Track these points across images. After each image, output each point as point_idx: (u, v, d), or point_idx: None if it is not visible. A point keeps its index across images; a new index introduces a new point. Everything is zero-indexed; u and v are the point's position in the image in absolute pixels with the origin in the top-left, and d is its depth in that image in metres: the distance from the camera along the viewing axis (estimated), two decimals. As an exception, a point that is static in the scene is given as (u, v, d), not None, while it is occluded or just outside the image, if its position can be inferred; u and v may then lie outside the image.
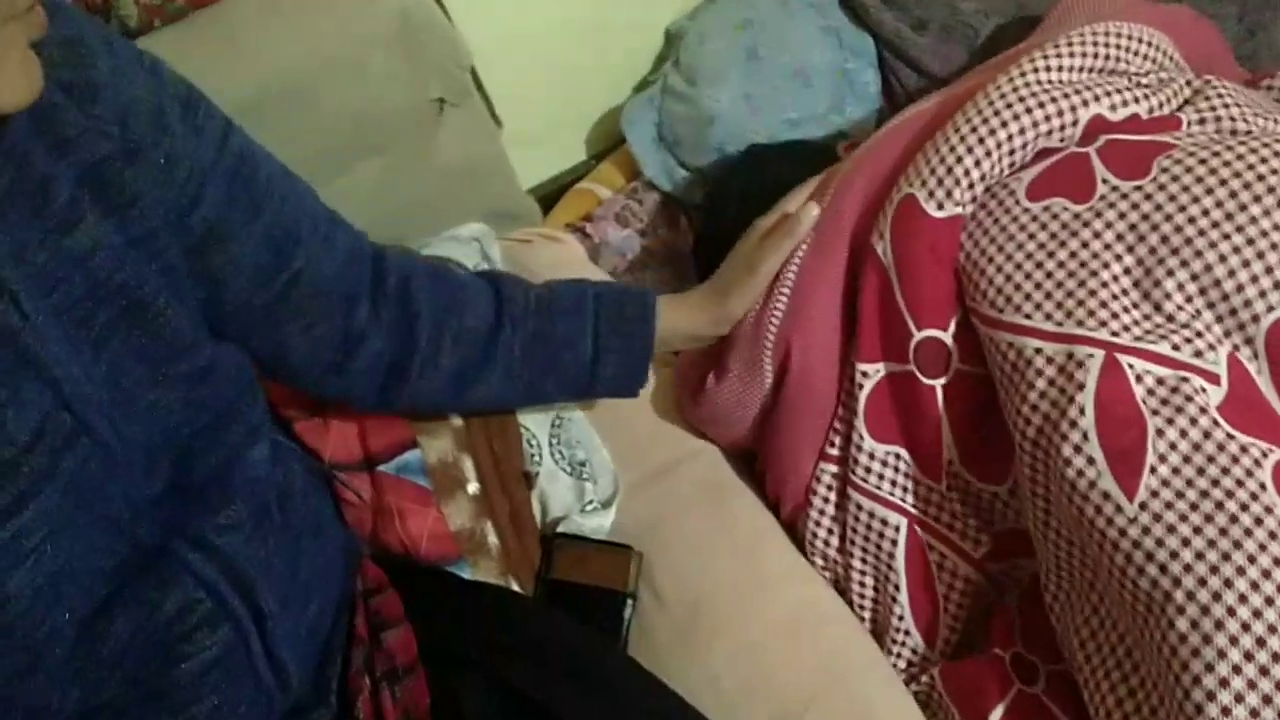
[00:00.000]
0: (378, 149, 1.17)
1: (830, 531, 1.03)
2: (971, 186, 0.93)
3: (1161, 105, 0.97)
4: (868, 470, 0.98)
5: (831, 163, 1.10)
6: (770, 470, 1.06)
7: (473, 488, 1.02)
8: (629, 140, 1.45)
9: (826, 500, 1.02)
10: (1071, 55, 0.98)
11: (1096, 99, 0.95)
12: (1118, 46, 1.00)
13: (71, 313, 0.61)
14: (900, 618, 1.00)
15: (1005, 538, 0.98)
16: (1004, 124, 0.93)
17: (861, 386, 0.97)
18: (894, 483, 0.98)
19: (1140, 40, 1.01)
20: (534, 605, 0.98)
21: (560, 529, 1.03)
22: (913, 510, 0.99)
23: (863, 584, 1.02)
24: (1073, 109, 0.94)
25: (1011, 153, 0.94)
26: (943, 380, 0.95)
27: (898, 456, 0.98)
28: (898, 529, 0.98)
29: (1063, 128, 0.94)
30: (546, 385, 0.97)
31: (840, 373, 1.00)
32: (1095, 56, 0.99)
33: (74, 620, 0.62)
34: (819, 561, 1.04)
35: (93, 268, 0.62)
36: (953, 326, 0.94)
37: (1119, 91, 0.96)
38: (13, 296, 0.57)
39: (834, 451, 1.01)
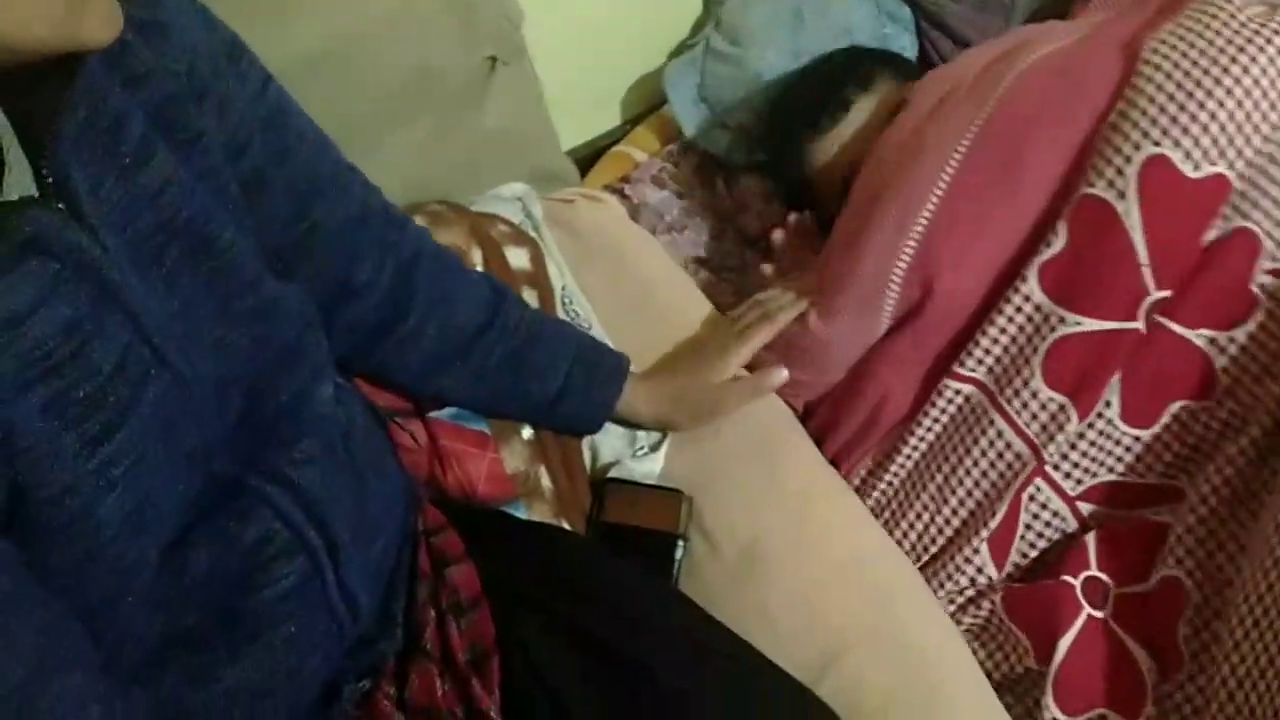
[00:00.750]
0: (429, 107, 1.18)
1: (937, 446, 1.06)
2: (1231, 141, 0.92)
3: None
4: (1024, 405, 1.00)
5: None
6: (867, 385, 1.09)
7: (527, 433, 1.04)
8: (671, 100, 1.47)
9: (945, 415, 1.05)
10: None
11: None
12: None
13: (145, 248, 0.63)
14: (981, 541, 1.03)
15: (1106, 488, 1.01)
16: (1245, 69, 0.92)
17: (1054, 329, 0.97)
18: (1044, 425, 1.00)
19: None
20: (588, 544, 1.01)
21: (611, 474, 1.05)
22: (1043, 450, 1.01)
23: (957, 503, 1.04)
24: None
25: (1264, 95, 0.92)
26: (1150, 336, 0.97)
27: (1061, 407, 0.99)
28: (1025, 465, 1.01)
29: None
30: (504, 404, 1.00)
31: (987, 301, 1.02)
32: None
33: (158, 548, 0.63)
34: (901, 471, 1.08)
35: (163, 204, 0.64)
36: (1179, 284, 0.95)
37: None
38: (93, 231, 0.58)
39: (969, 373, 1.03)
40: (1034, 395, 0.99)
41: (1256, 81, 0.92)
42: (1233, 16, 0.95)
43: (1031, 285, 0.98)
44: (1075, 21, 1.15)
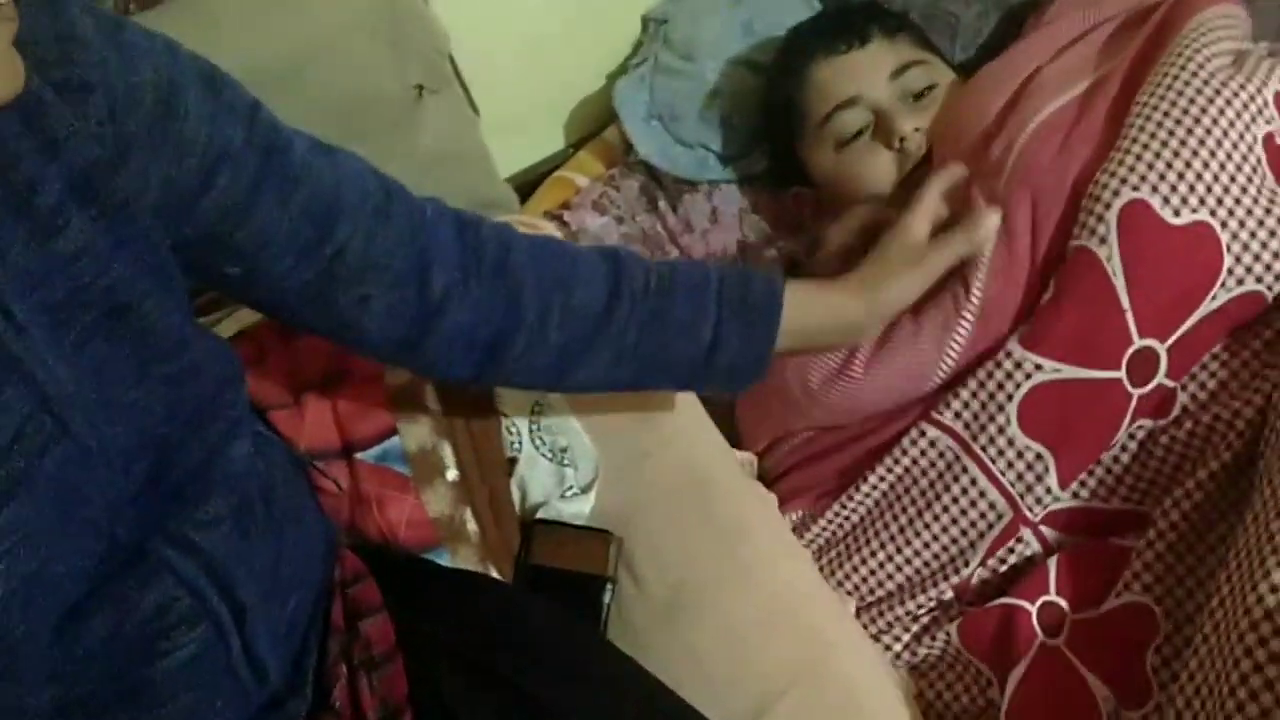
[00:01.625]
0: (359, 137, 1.14)
1: (900, 489, 1.04)
2: (1209, 189, 0.92)
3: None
4: (1000, 453, 0.98)
5: None
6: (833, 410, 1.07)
7: (451, 474, 1.01)
8: (621, 118, 1.45)
9: (908, 459, 1.02)
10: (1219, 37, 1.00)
11: (1267, 76, 0.97)
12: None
13: (53, 314, 0.60)
14: (948, 587, 1.01)
15: (1069, 513, 1.00)
16: (1215, 120, 0.93)
17: (1030, 376, 0.96)
18: (1019, 475, 0.98)
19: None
20: (513, 591, 0.98)
21: (540, 515, 1.02)
22: (1020, 501, 0.99)
23: (921, 545, 1.02)
24: (1260, 87, 0.95)
25: (1235, 147, 0.93)
26: (1144, 390, 0.95)
27: (1038, 456, 0.97)
28: (1000, 516, 0.99)
29: (1263, 108, 0.95)
30: (655, 374, 0.92)
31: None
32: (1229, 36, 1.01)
33: (50, 622, 0.61)
34: (859, 510, 1.06)
35: (76, 271, 0.61)
36: (1172, 339, 0.94)
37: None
38: None
39: (944, 419, 1.01)
40: (1010, 443, 0.97)
41: (1225, 133, 0.93)
42: (1201, 67, 0.96)
43: (1012, 340, 0.97)
44: (1073, 52, 1.13)
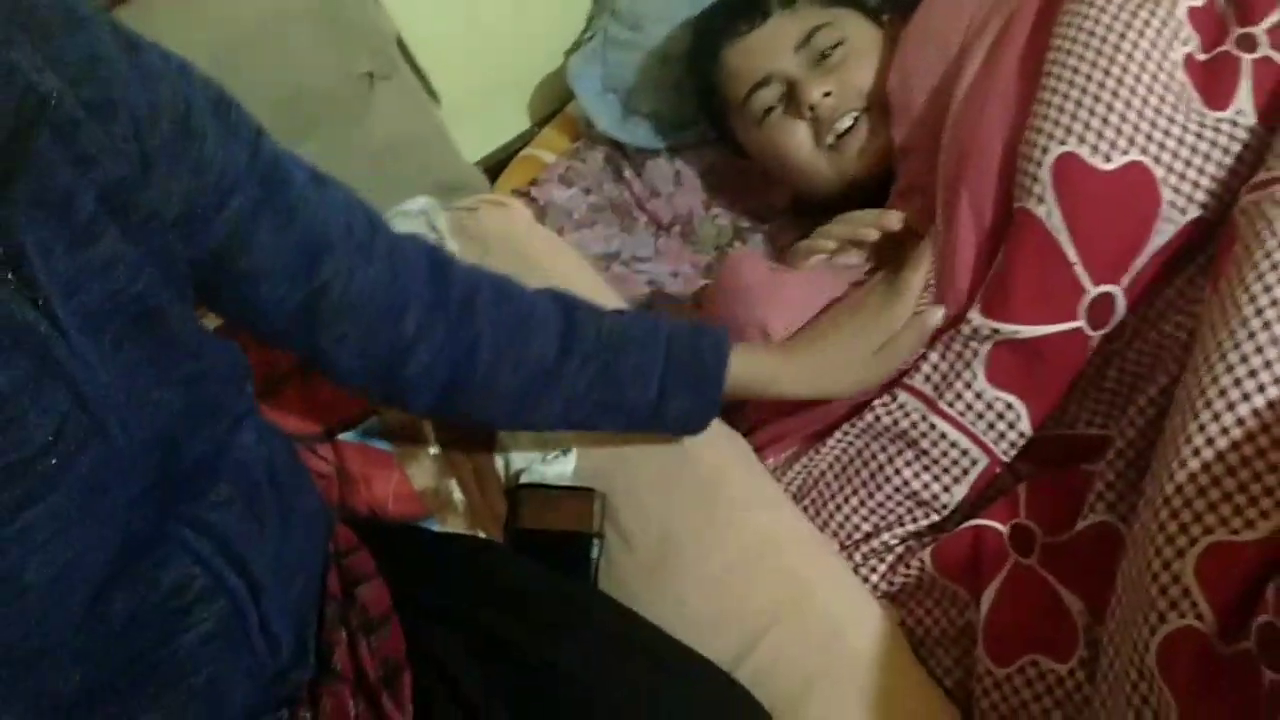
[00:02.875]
0: (311, 129, 1.18)
1: (875, 433, 1.05)
2: (1136, 129, 0.93)
3: None
4: (968, 407, 0.99)
5: None
6: None
7: (434, 449, 1.04)
8: (578, 94, 1.47)
9: (889, 415, 1.04)
10: None
11: None
12: None
13: (91, 319, 0.63)
14: (925, 516, 1.03)
15: (1036, 441, 1.01)
16: (1129, 56, 0.93)
17: (989, 339, 0.97)
18: (991, 425, 1.00)
19: None
20: (502, 551, 1.00)
21: (524, 479, 1.05)
22: (995, 451, 1.01)
23: (893, 489, 1.03)
24: (1172, 7, 0.96)
25: (1154, 79, 0.94)
26: (1104, 331, 0.97)
27: (1009, 406, 0.99)
28: (975, 461, 1.01)
29: (1177, 29, 0.95)
30: (606, 420, 0.96)
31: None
32: None
33: (79, 605, 0.64)
34: (828, 458, 1.07)
35: (111, 278, 0.64)
36: (1126, 280, 0.95)
37: None
38: (45, 301, 0.59)
39: (914, 384, 1.02)
40: (979, 396, 0.99)
41: (1143, 67, 0.93)
42: (1105, 6, 0.96)
43: (973, 309, 0.98)
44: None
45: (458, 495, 1.03)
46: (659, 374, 0.93)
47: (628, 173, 1.45)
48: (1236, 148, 0.93)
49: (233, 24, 1.10)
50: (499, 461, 1.08)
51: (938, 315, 1.01)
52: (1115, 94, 0.93)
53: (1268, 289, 0.79)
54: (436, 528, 1.01)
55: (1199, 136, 0.93)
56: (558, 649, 0.83)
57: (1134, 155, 0.93)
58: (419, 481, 1.02)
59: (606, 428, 0.98)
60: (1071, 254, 0.93)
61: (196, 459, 0.74)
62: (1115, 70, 0.93)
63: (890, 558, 1.03)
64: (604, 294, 1.22)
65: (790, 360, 1.00)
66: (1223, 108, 0.94)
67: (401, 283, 0.85)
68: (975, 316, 0.97)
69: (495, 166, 1.55)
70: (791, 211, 1.37)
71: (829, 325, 1.03)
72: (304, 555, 0.84)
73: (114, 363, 0.65)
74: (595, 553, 1.00)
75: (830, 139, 1.21)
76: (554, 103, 1.59)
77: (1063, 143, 0.93)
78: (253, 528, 0.76)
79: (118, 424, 0.64)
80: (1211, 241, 0.95)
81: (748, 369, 0.97)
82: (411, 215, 1.26)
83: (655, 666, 0.84)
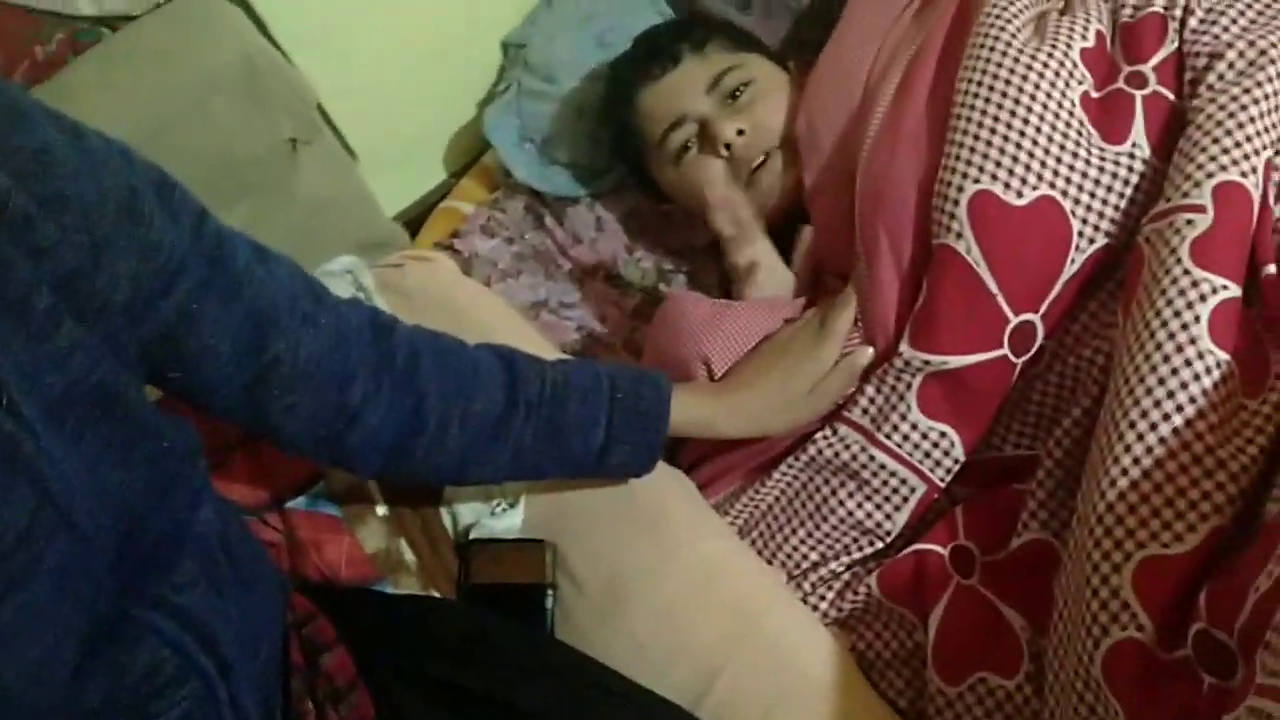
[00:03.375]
0: (239, 195, 1.18)
1: (818, 467, 1.08)
2: (1044, 165, 0.98)
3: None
4: (905, 438, 1.03)
5: None
6: None
7: (381, 509, 1.04)
8: (495, 146, 1.49)
9: (830, 448, 1.07)
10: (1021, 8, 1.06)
11: (1070, 37, 1.03)
12: None
13: (52, 408, 0.63)
14: (870, 544, 1.07)
15: (966, 465, 1.05)
16: (1033, 96, 0.99)
17: (921, 371, 1.01)
18: (927, 454, 1.03)
19: None
20: (459, 607, 1.01)
21: (473, 535, 1.05)
22: (932, 478, 1.04)
23: (838, 520, 1.07)
24: (1066, 50, 1.02)
25: (1056, 117, 1.00)
26: (1026, 357, 1.01)
27: (942, 434, 1.02)
28: (913, 489, 1.04)
29: (1073, 69, 1.02)
30: (552, 468, 0.98)
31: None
32: None
33: (55, 695, 0.63)
34: (781, 481, 1.10)
35: (71, 367, 0.64)
36: (1044, 308, 1.00)
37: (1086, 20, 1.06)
38: (8, 396, 0.58)
39: (852, 416, 1.06)
40: (914, 427, 1.03)
41: (1045, 107, 0.99)
42: (1009, 44, 1.02)
43: (903, 343, 1.02)
44: (894, 31, 1.20)
45: (409, 555, 1.03)
46: (604, 422, 0.95)
47: (549, 220, 1.47)
48: (1135, 179, 1.00)
49: (156, 99, 1.10)
50: (446, 518, 1.08)
51: (867, 354, 1.05)
52: (1022, 133, 0.98)
53: (1177, 314, 0.84)
54: (390, 589, 1.01)
55: (1101, 170, 0.99)
56: (530, 696, 0.84)
57: (1044, 190, 0.98)
58: (370, 544, 1.02)
59: (553, 477, 1.00)
60: (993, 286, 0.98)
61: (158, 538, 0.74)
62: (1020, 110, 0.99)
63: (838, 585, 1.06)
64: (535, 343, 1.24)
65: (725, 403, 1.04)
66: (1120, 142, 1.00)
67: (346, 350, 0.86)
68: (906, 350, 1.01)
69: (414, 220, 1.56)
70: (712, 250, 1.40)
71: (762, 367, 1.06)
72: (266, 626, 0.84)
73: (76, 452, 0.65)
74: (550, 603, 1.01)
75: (745, 176, 1.25)
76: (469, 154, 1.61)
77: (977, 181, 0.98)
78: (218, 604, 0.76)
79: (84, 512, 0.64)
80: (1118, 269, 1.01)
81: (686, 412, 1.00)
82: (337, 275, 1.26)
83: (616, 706, 0.87)
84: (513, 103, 1.50)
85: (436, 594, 1.03)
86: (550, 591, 1.01)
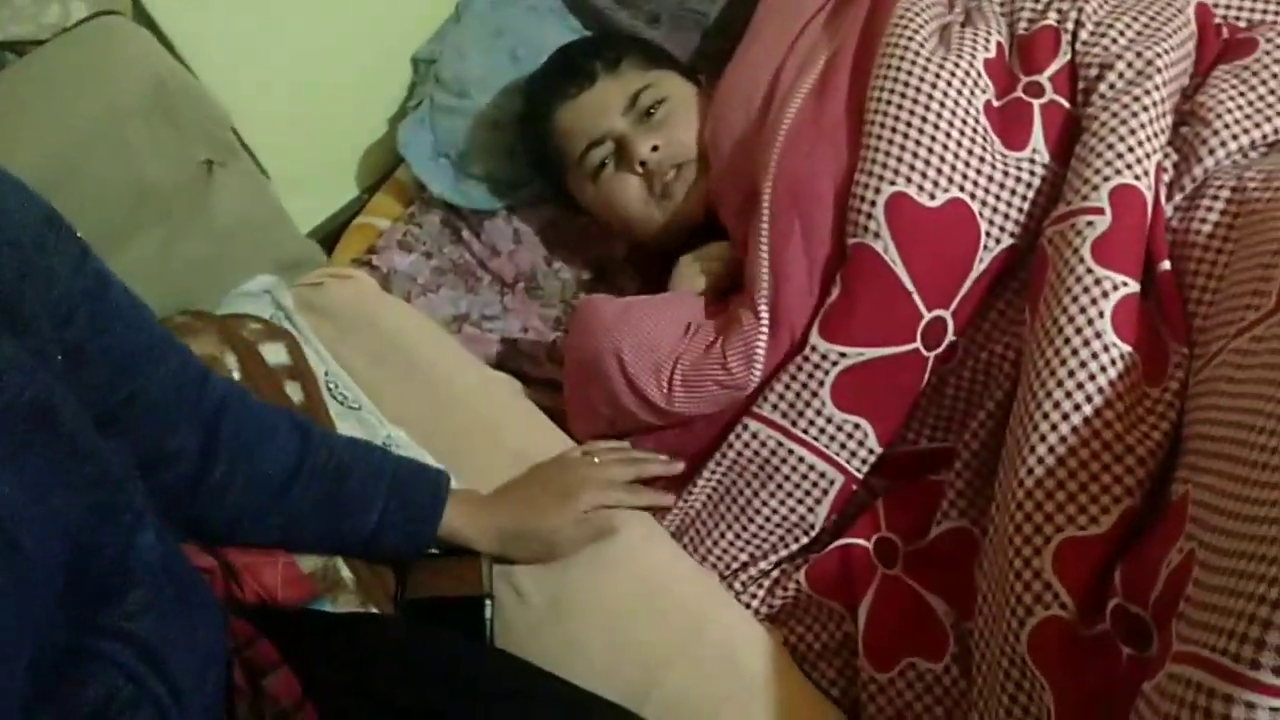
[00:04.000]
0: (155, 219, 1.17)
1: (734, 475, 1.11)
2: (953, 169, 1.03)
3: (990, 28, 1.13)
4: (821, 431, 1.06)
5: None
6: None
7: (317, 528, 1.04)
8: (409, 161, 1.49)
9: (734, 451, 1.10)
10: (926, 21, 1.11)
11: (974, 48, 1.09)
12: None
13: None
14: (795, 540, 1.10)
15: (882, 460, 1.09)
16: (941, 104, 1.04)
17: (836, 364, 1.04)
18: (843, 445, 1.06)
19: None
20: (399, 622, 1.02)
21: (410, 549, 1.06)
22: (849, 469, 1.08)
23: (764, 520, 1.10)
24: (971, 60, 1.08)
25: (964, 124, 1.05)
26: (937, 352, 1.05)
27: (856, 426, 1.06)
28: (833, 482, 1.07)
29: (977, 79, 1.07)
30: (322, 544, 1.00)
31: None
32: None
33: None
34: (700, 497, 1.12)
35: (5, 386, 0.64)
36: (954, 304, 1.05)
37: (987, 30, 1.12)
38: None
39: (763, 412, 1.08)
40: (829, 420, 1.06)
41: (954, 114, 1.05)
42: (917, 54, 1.08)
43: (813, 335, 1.06)
44: (804, 40, 1.24)
45: (346, 573, 1.03)
46: (380, 507, 0.99)
47: (466, 234, 1.48)
48: (1036, 183, 1.05)
49: (66, 126, 1.08)
50: (382, 534, 1.09)
51: (612, 526, 1.06)
52: (933, 138, 1.04)
53: (1083, 310, 0.90)
54: (330, 607, 1.01)
55: (1005, 174, 1.05)
56: (476, 708, 0.86)
57: (954, 193, 1.04)
58: (306, 564, 1.02)
59: (320, 551, 1.01)
60: (908, 283, 1.03)
61: (106, 564, 0.73)
62: (931, 116, 1.04)
63: (767, 582, 1.10)
64: (457, 354, 1.25)
65: (494, 523, 1.04)
66: (1020, 148, 1.06)
67: (181, 394, 0.88)
68: (821, 343, 1.05)
69: (328, 238, 1.54)
70: (631, 260, 1.43)
71: (526, 498, 1.07)
72: (211, 649, 0.84)
73: (17, 475, 0.64)
74: (489, 613, 1.02)
75: (659, 190, 1.28)
76: (382, 170, 1.60)
77: (893, 183, 1.03)
78: (168, 630, 0.76)
79: (29, 537, 0.63)
80: (1022, 269, 1.07)
81: (454, 519, 1.02)
82: (255, 295, 1.25)
83: (560, 711, 0.88)
84: (426, 118, 1.50)
85: (376, 610, 1.03)
86: (489, 602, 1.02)
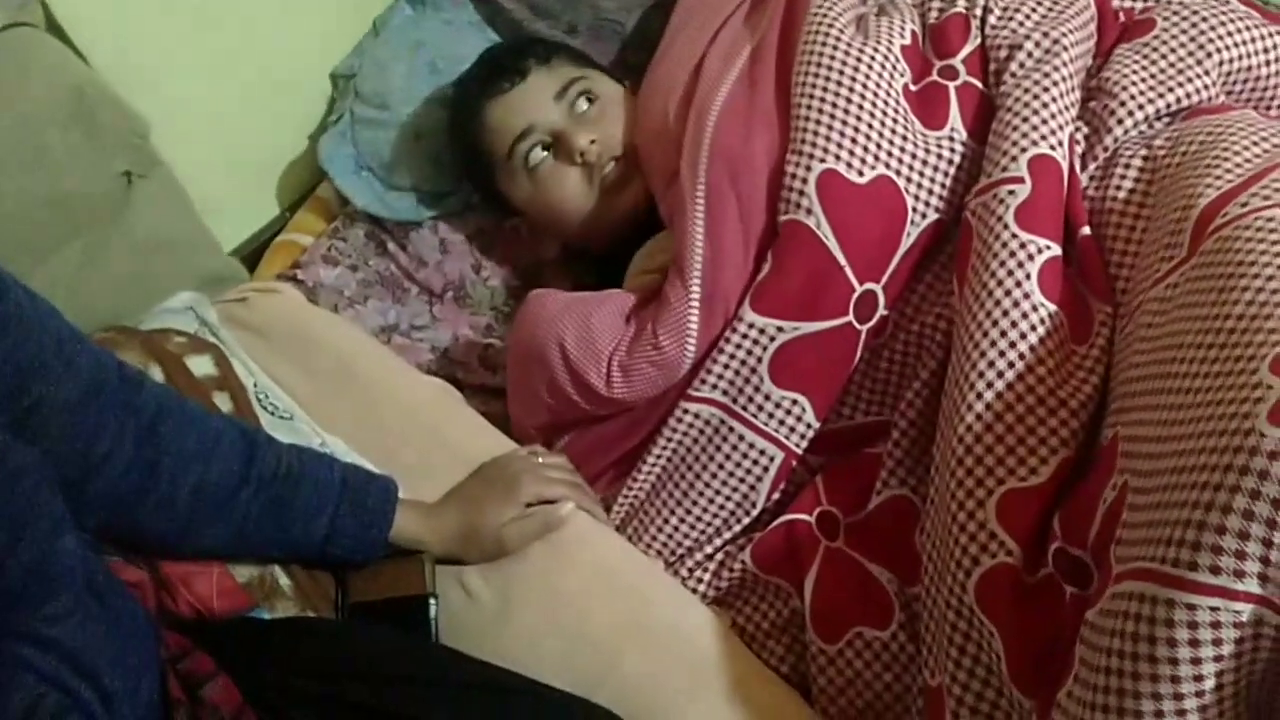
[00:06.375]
0: (74, 232, 1.14)
1: (677, 460, 1.12)
2: (879, 147, 1.06)
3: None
4: (759, 409, 1.08)
5: None
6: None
7: (252, 536, 1.02)
8: (331, 175, 1.48)
9: (678, 434, 1.11)
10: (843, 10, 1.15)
11: (890, 35, 1.13)
12: None
13: None
14: (738, 521, 1.11)
15: (819, 436, 1.10)
16: (864, 85, 1.08)
17: (774, 339, 1.06)
18: (782, 421, 1.08)
19: None
20: (340, 624, 1.00)
21: (349, 553, 1.04)
22: (789, 445, 1.09)
23: (706, 502, 1.11)
24: (889, 46, 1.11)
25: (886, 105, 1.08)
26: (869, 325, 1.07)
27: (794, 402, 1.07)
28: (773, 459, 1.09)
29: (895, 63, 1.11)
30: (275, 548, 0.98)
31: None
32: None
33: None
34: (645, 485, 1.13)
35: None
36: (885, 278, 1.07)
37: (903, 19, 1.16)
38: None
39: (703, 393, 1.10)
40: (767, 398, 1.07)
41: (876, 95, 1.09)
42: (838, 40, 1.11)
43: (745, 309, 1.07)
44: (725, 33, 1.27)
45: (284, 580, 1.01)
46: (330, 514, 0.97)
47: (392, 246, 1.47)
48: (957, 159, 1.09)
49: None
50: (320, 540, 1.06)
51: (568, 508, 1.05)
52: (859, 118, 1.07)
53: (1010, 273, 0.93)
54: (267, 616, 0.98)
55: (927, 151, 1.08)
56: (411, 704, 0.85)
57: (880, 170, 1.07)
58: (242, 574, 1.00)
59: (271, 556, 1.00)
60: (841, 258, 1.05)
61: (24, 569, 0.71)
62: (855, 98, 1.08)
63: (713, 565, 1.11)
64: (391, 362, 1.24)
65: (431, 525, 1.03)
66: (939, 128, 1.09)
67: (101, 397, 0.86)
68: (757, 318, 1.07)
69: (249, 257, 1.52)
70: (560, 261, 1.43)
71: (472, 496, 1.07)
72: (142, 658, 0.82)
73: None
74: (434, 612, 1.01)
75: (597, 182, 1.29)
76: (302, 188, 1.58)
77: (823, 161, 1.06)
78: (93, 635, 0.75)
79: None
80: (949, 242, 1.10)
81: (405, 523, 1.02)
82: (178, 311, 1.23)
83: (510, 703, 0.88)
84: (347, 132, 1.49)
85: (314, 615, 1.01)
86: (433, 601, 1.01)
